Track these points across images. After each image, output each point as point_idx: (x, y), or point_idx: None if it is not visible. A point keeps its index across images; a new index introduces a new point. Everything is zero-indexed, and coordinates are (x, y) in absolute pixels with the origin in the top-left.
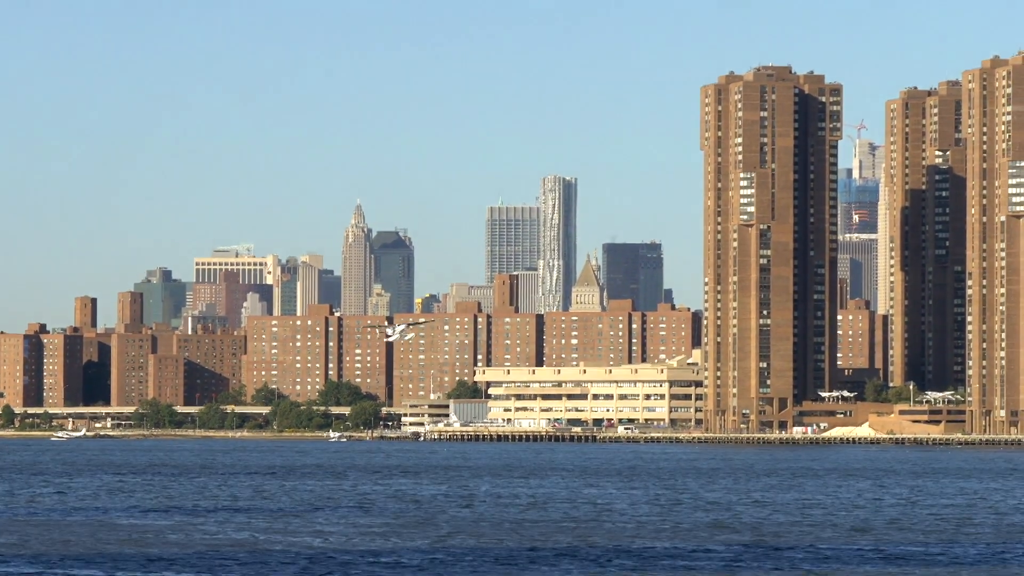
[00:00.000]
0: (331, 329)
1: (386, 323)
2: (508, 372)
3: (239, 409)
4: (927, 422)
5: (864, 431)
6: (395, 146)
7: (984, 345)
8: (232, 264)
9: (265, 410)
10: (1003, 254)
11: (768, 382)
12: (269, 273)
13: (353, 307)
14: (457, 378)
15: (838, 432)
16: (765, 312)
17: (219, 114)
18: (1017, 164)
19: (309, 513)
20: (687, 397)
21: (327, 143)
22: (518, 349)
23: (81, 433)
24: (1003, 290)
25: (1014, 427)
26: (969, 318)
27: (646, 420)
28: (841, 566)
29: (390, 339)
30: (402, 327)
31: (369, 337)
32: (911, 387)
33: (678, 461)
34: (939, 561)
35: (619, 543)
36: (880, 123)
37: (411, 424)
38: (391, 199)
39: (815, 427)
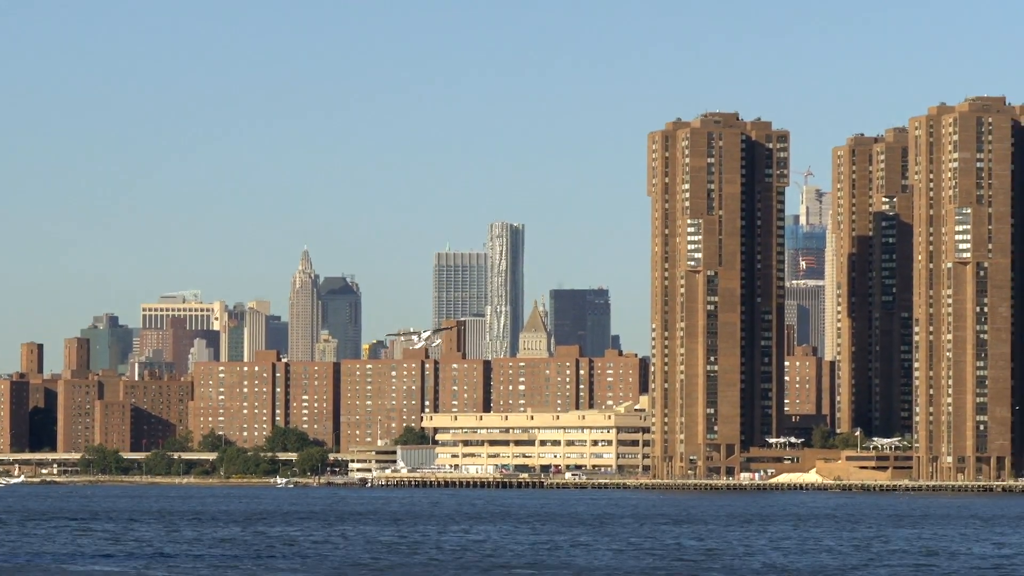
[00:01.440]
0: (278, 375)
1: (411, 331)
2: (455, 418)
3: (186, 455)
4: (874, 468)
5: (811, 477)
6: (342, 192)
7: (931, 391)
8: (179, 310)
9: (212, 456)
10: (950, 300)
11: (715, 428)
12: (216, 319)
13: (300, 353)
14: (404, 424)
15: (785, 478)
16: (712, 358)
17: (166, 160)
18: (963, 211)
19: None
20: (635, 443)
21: (274, 190)
22: (465, 395)
23: (20, 479)
24: (950, 336)
25: (961, 473)
26: (916, 364)
27: (594, 466)
28: None
29: (416, 347)
30: (428, 333)
31: (316, 383)
32: (858, 433)
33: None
34: None
35: None
36: (827, 169)
37: (358, 470)
38: (338, 245)
39: (762, 473)
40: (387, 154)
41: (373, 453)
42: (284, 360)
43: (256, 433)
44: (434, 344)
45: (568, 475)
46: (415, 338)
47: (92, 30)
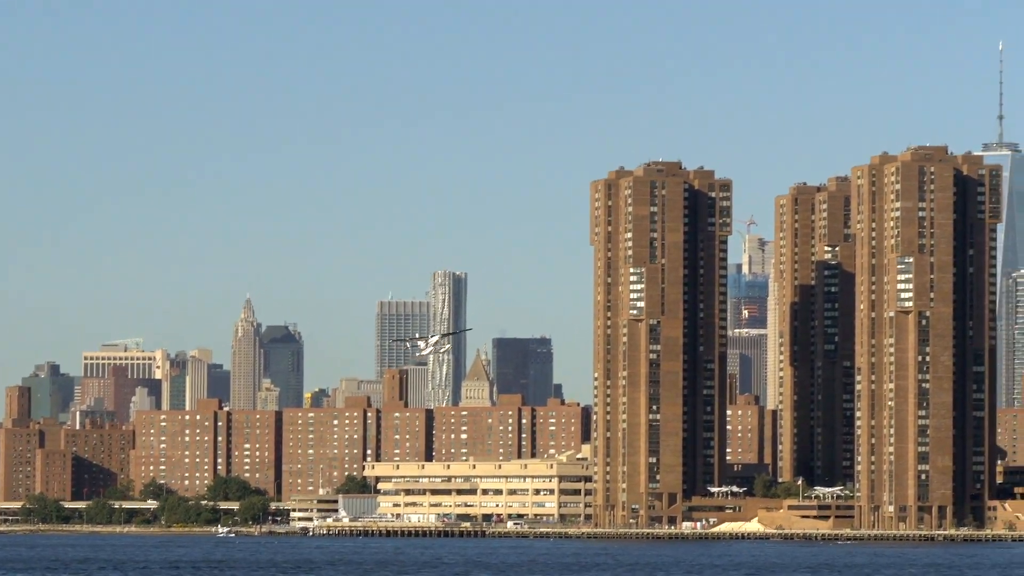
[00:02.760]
0: (220, 424)
1: (417, 336)
2: (397, 467)
3: (127, 504)
4: (816, 517)
5: (753, 526)
6: (285, 241)
7: (873, 440)
8: (121, 358)
9: (153, 505)
10: (892, 350)
11: (657, 477)
12: (158, 367)
13: (242, 401)
14: (346, 473)
15: (727, 527)
16: (655, 407)
17: (107, 207)
18: (906, 260)
19: None
20: (576, 492)
21: (216, 238)
22: (408, 444)
23: None
24: (892, 385)
25: (902, 523)
26: (858, 413)
27: (535, 515)
28: None
29: (423, 352)
30: (435, 338)
31: (258, 432)
32: (800, 482)
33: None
34: None
35: None
36: (769, 218)
37: (300, 519)
38: (281, 293)
39: (704, 522)
40: (329, 202)
41: (315, 502)
42: (226, 408)
43: (198, 482)
44: (442, 350)
45: (510, 524)
46: (421, 343)
47: (31, 69)
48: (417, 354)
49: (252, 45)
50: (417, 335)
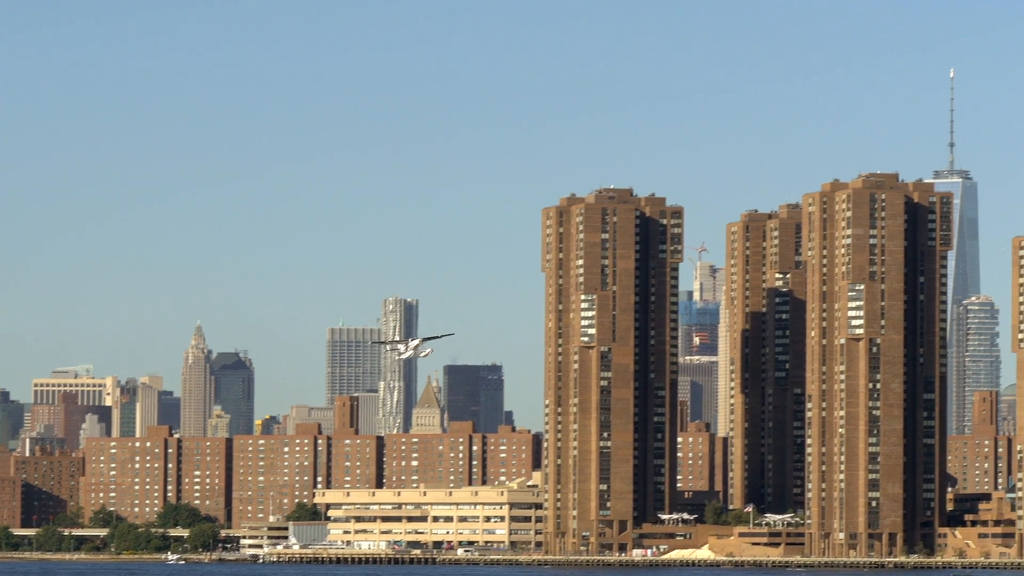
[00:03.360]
0: (170, 451)
1: (397, 340)
2: (348, 494)
3: (76, 531)
4: (766, 544)
5: (704, 553)
6: (235, 267)
7: (823, 468)
8: (71, 385)
9: (103, 532)
10: (842, 377)
11: (608, 504)
12: (108, 394)
13: (192, 428)
14: (297, 500)
15: (678, 554)
16: (605, 434)
17: (56, 234)
18: (856, 287)
19: None
20: (527, 519)
21: (166, 265)
22: (358, 471)
23: None
24: (842, 413)
25: (853, 550)
26: (809, 440)
27: (486, 542)
28: None
29: (403, 356)
30: (416, 341)
31: (208, 459)
32: (751, 509)
33: None
34: None
35: None
36: (721, 245)
37: (250, 546)
38: (231, 320)
39: (655, 549)
40: (280, 229)
41: (265, 529)
42: (176, 435)
43: (148, 509)
44: (423, 354)
45: (460, 551)
46: (401, 347)
47: None
48: (397, 357)
49: (204, 74)
50: (397, 338)
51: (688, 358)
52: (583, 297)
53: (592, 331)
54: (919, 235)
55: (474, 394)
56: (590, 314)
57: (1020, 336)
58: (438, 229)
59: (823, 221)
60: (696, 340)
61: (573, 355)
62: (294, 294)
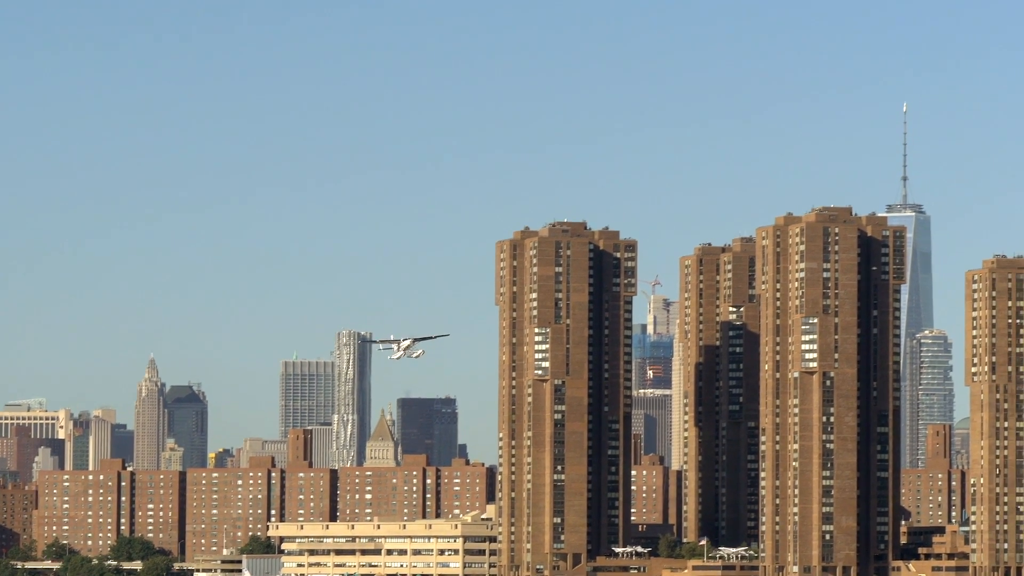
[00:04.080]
0: (123, 484)
1: (391, 338)
2: (301, 527)
3: (29, 565)
4: None
5: None
6: (189, 300)
7: (777, 501)
8: (24, 418)
9: (56, 565)
10: (796, 410)
11: (562, 537)
12: (61, 427)
13: (146, 462)
14: (250, 533)
15: None
16: (559, 467)
17: (6, 269)
18: (810, 321)
19: None
20: (481, 552)
21: (119, 297)
22: (312, 504)
23: None
24: (796, 446)
25: None
26: (762, 474)
27: (440, 575)
28: None
29: (395, 358)
30: (407, 341)
31: (162, 492)
32: (704, 543)
33: None
34: None
35: None
36: (675, 279)
37: None
38: (185, 353)
39: None
40: (233, 262)
41: (219, 562)
42: (130, 469)
43: (101, 542)
44: (415, 355)
45: None
46: (394, 347)
47: None
48: (390, 357)
49: (153, 108)
50: (392, 336)
51: (642, 391)
52: (537, 330)
53: (546, 364)
54: (872, 269)
55: (428, 427)
56: (544, 347)
57: (973, 370)
58: (392, 262)
59: (776, 255)
60: (650, 373)
61: (527, 388)
62: (248, 327)
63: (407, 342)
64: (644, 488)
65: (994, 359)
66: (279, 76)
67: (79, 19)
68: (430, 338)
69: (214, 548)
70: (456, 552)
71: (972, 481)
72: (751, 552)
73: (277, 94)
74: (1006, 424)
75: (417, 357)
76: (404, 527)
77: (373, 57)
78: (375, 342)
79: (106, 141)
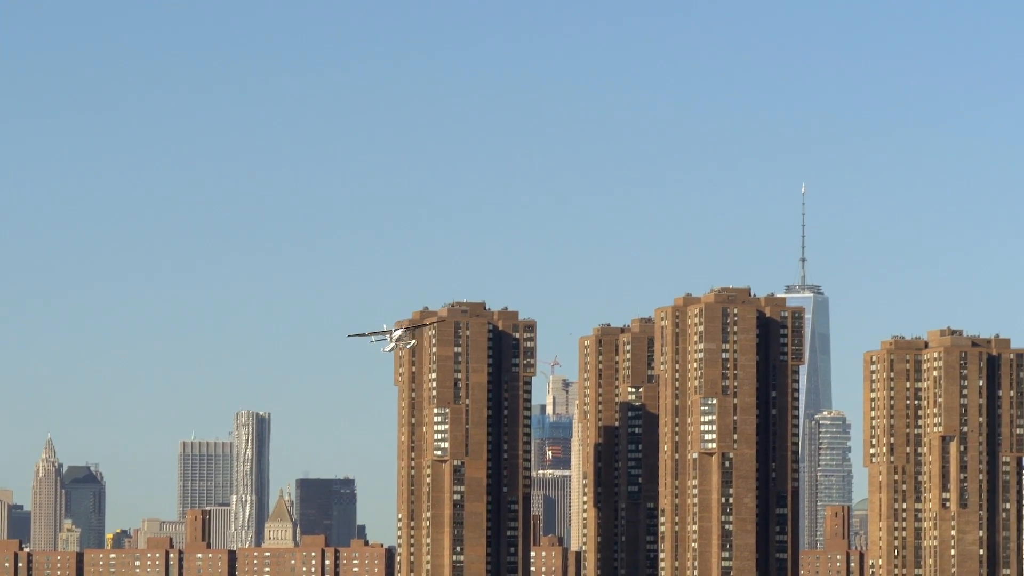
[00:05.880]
0: (20, 565)
1: (384, 328)
2: None
3: None
4: None
5: None
6: (86, 380)
7: None
8: None
9: None
10: (695, 491)
11: None
12: None
13: (43, 542)
14: None
15: None
16: (459, 548)
17: None
18: (709, 401)
19: None
20: None
21: (17, 377)
22: None
23: None
24: (695, 527)
25: None
26: (662, 555)
27: None
28: None
29: (386, 350)
30: (399, 332)
31: (59, 573)
32: None
33: None
34: None
35: None
36: (574, 359)
37: None
38: (82, 434)
39: None
40: (130, 341)
41: None
42: (27, 549)
43: None
44: (407, 346)
45: None
46: (387, 338)
47: None
48: (383, 350)
49: (39, 190)
50: (385, 327)
51: (541, 472)
52: (436, 411)
53: (445, 445)
54: (771, 350)
55: (327, 508)
56: (443, 428)
57: (871, 451)
58: (290, 342)
59: (675, 335)
60: (549, 454)
61: (426, 469)
62: (145, 407)
63: (398, 332)
64: (543, 569)
65: (892, 440)
66: (173, 156)
67: None
68: (424, 326)
69: None
70: None
71: (871, 562)
72: None
73: (169, 174)
74: (904, 505)
75: (410, 347)
76: None
77: (265, 132)
78: (363, 335)
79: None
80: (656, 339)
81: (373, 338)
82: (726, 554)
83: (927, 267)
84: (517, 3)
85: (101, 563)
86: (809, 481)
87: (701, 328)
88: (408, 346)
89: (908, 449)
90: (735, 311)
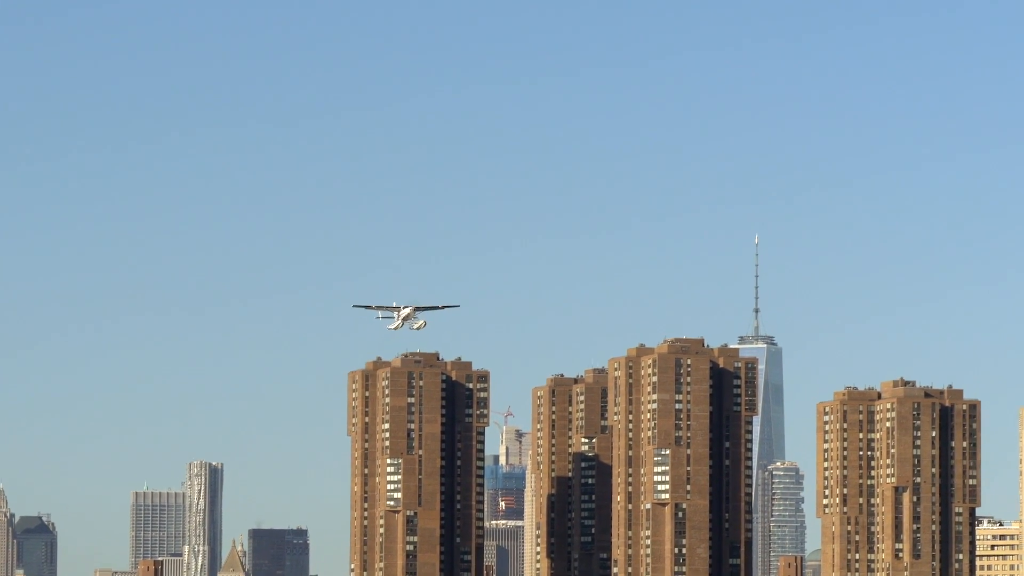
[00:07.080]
0: None
1: (392, 304)
2: None
3: None
4: None
5: None
6: (37, 431)
7: None
8: None
9: None
10: (648, 541)
11: None
12: None
13: None
14: None
15: None
16: None
17: None
18: (662, 452)
19: None
20: None
21: None
22: None
23: None
24: None
25: None
26: None
27: None
28: None
29: (393, 327)
30: (408, 309)
31: None
32: None
33: None
34: None
35: None
36: (527, 410)
37: None
38: (34, 484)
39: None
40: (82, 392)
41: None
42: None
43: None
44: (415, 326)
45: None
46: (394, 315)
47: None
48: (389, 327)
49: None
50: (394, 303)
51: (494, 522)
52: (389, 461)
53: (398, 495)
54: (724, 400)
55: (279, 558)
56: (396, 478)
57: (824, 502)
58: (242, 392)
59: (629, 386)
60: (502, 504)
61: (379, 519)
62: (97, 457)
63: (407, 310)
64: None
65: (845, 491)
66: (128, 210)
67: None
68: (435, 308)
69: None
70: None
71: None
72: None
73: (116, 225)
74: (857, 556)
75: (418, 328)
76: None
77: (224, 184)
78: (371, 308)
79: None
80: (609, 389)
81: (380, 313)
82: None
83: (880, 318)
84: (465, 51)
85: None
86: (762, 532)
87: (655, 379)
88: (416, 326)
89: (861, 500)
90: (688, 362)
